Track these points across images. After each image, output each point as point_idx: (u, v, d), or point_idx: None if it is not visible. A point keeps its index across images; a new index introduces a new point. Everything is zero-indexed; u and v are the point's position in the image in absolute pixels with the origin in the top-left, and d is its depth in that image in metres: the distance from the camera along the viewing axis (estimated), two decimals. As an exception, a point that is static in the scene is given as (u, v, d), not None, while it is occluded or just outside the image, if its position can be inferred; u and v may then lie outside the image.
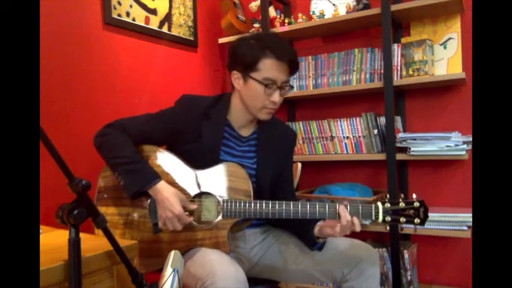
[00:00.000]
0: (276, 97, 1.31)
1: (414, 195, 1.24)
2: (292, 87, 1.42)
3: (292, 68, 1.33)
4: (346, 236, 1.38)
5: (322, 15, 2.22)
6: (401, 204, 1.20)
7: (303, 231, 1.36)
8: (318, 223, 1.31)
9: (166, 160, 1.35)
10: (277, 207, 1.25)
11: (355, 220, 1.19)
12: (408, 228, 1.96)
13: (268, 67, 1.28)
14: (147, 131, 1.37)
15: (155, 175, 1.28)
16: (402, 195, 1.24)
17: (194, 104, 1.38)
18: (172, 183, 1.31)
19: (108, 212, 1.35)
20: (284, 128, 1.53)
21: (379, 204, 1.21)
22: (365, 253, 1.31)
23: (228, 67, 1.38)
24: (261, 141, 1.42)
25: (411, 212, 1.20)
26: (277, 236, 1.45)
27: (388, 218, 1.20)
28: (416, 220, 1.19)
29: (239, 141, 1.41)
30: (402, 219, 1.20)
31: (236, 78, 1.35)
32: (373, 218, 1.21)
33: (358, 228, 1.20)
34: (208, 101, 1.39)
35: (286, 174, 1.51)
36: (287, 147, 1.51)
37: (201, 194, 1.32)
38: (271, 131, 1.44)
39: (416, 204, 1.20)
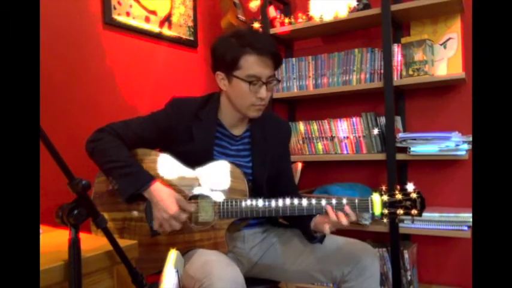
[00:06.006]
0: (263, 93, 1.29)
1: (412, 186, 1.21)
2: (279, 81, 1.40)
3: (276, 61, 1.31)
4: (346, 236, 1.39)
5: (322, 15, 2.22)
6: (398, 196, 1.20)
7: (302, 225, 1.36)
8: (313, 218, 1.31)
9: (160, 162, 1.34)
10: (273, 205, 1.25)
11: (340, 215, 1.19)
12: (408, 228, 1.96)
13: (250, 64, 1.27)
14: (140, 134, 1.36)
15: (150, 177, 1.27)
16: (398, 187, 1.22)
17: (185, 106, 1.37)
18: (168, 185, 1.30)
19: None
20: (277, 123, 1.51)
21: (377, 197, 1.21)
22: (365, 253, 1.31)
23: (212, 69, 1.38)
24: (255, 139, 1.41)
25: (408, 203, 1.19)
26: (277, 236, 1.45)
27: (385, 211, 1.19)
28: (414, 211, 1.18)
29: (232, 140, 1.40)
30: (400, 211, 1.19)
31: (221, 79, 1.34)
32: (371, 211, 1.21)
33: (344, 223, 1.18)
34: (198, 102, 1.39)
35: (284, 170, 1.50)
36: (282, 142, 1.50)
37: (198, 196, 1.31)
38: (265, 127, 1.43)
39: (413, 195, 1.19)
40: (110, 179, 1.29)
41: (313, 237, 1.32)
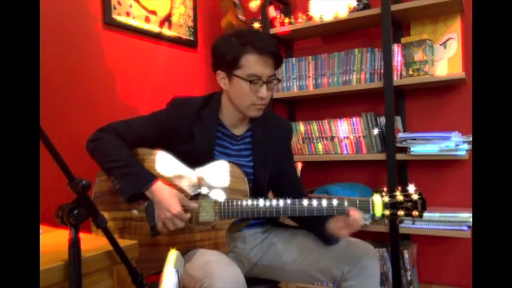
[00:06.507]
0: (263, 92, 1.29)
1: (413, 187, 1.21)
2: (279, 80, 1.40)
3: (276, 61, 1.31)
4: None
5: (322, 15, 2.22)
6: (399, 197, 1.20)
7: (313, 228, 1.36)
8: (326, 223, 1.29)
9: (161, 162, 1.34)
10: (274, 205, 1.25)
11: (359, 216, 1.20)
12: (408, 228, 1.96)
13: (251, 63, 1.27)
14: (141, 133, 1.36)
15: (152, 176, 1.27)
16: (400, 188, 1.22)
17: (186, 106, 1.37)
18: (169, 184, 1.30)
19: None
20: (278, 121, 1.51)
21: (378, 198, 1.21)
22: (365, 252, 1.31)
23: (212, 68, 1.38)
24: (256, 139, 1.41)
25: (409, 204, 1.19)
26: (277, 236, 1.44)
27: (386, 212, 1.20)
28: (415, 212, 1.19)
29: (233, 140, 1.40)
30: (401, 213, 1.19)
31: (221, 78, 1.34)
32: (371, 212, 1.21)
33: (361, 222, 1.21)
34: (199, 102, 1.39)
35: (286, 170, 1.48)
36: (283, 141, 1.49)
37: (198, 195, 1.31)
38: (266, 126, 1.43)
39: (414, 196, 1.19)
40: (112, 178, 1.29)
41: (329, 239, 1.32)
